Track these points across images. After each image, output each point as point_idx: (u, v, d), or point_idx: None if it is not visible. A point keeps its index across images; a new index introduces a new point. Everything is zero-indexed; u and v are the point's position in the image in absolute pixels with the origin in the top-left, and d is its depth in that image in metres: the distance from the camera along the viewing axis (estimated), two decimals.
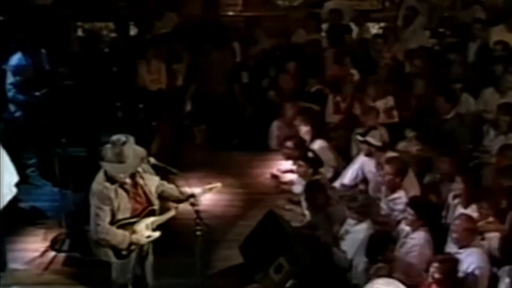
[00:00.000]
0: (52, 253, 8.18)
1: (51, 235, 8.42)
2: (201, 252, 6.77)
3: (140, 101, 9.73)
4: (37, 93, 9.22)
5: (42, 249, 8.25)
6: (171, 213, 6.91)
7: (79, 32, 11.87)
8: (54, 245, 8.29)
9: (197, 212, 6.68)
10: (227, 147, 10.51)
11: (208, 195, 7.02)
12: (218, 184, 7.05)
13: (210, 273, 7.63)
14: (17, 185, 7.88)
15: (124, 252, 6.75)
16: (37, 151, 9.61)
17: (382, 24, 12.53)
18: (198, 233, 6.64)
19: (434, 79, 10.31)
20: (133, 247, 6.77)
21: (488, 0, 12.35)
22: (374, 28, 12.42)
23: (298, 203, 8.82)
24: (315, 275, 7.26)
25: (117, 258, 6.79)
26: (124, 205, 6.60)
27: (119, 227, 6.63)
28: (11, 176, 7.66)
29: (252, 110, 10.85)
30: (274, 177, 9.71)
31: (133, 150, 6.50)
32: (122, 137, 6.45)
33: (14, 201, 8.41)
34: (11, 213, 8.27)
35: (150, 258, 7.09)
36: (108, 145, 6.49)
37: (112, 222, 6.58)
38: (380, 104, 9.96)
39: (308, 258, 7.43)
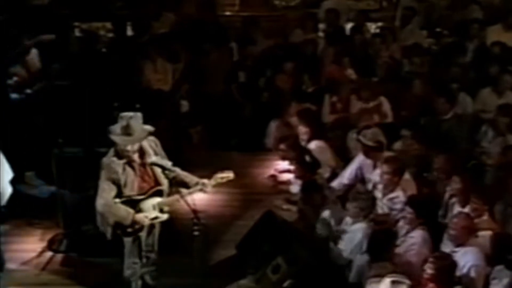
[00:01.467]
0: (49, 254, 8.17)
1: (49, 235, 8.42)
2: (198, 252, 6.77)
3: (138, 101, 9.72)
4: (28, 91, 9.24)
5: (40, 249, 8.25)
6: (177, 197, 6.92)
7: (77, 32, 11.84)
8: (51, 245, 8.29)
9: (194, 212, 6.69)
10: (224, 147, 10.51)
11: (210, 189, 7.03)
12: (231, 174, 7.02)
13: (207, 273, 7.63)
14: (14, 185, 7.87)
15: (130, 230, 6.81)
16: (34, 151, 9.59)
17: (380, 24, 12.53)
18: (196, 233, 6.65)
19: (431, 78, 10.31)
20: (137, 226, 6.82)
21: (485, 0, 12.34)
22: (371, 28, 12.42)
23: (295, 203, 8.83)
24: (312, 274, 7.26)
25: (124, 235, 6.88)
26: (131, 182, 6.76)
27: (124, 202, 6.74)
28: (7, 175, 7.67)
29: (250, 109, 10.84)
30: (272, 177, 9.72)
31: (140, 124, 6.75)
32: (129, 113, 6.76)
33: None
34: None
35: (156, 246, 7.15)
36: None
37: (119, 196, 6.72)
38: (372, 105, 9.97)
39: (306, 258, 7.42)
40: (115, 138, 6.71)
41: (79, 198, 8.31)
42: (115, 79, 10.14)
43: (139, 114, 6.80)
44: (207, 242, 7.52)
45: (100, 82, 9.89)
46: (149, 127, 6.84)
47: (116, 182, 6.72)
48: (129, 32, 11.84)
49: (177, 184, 6.99)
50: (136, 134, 6.70)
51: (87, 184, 7.68)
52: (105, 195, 6.70)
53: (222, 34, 11.65)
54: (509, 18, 11.45)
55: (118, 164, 6.73)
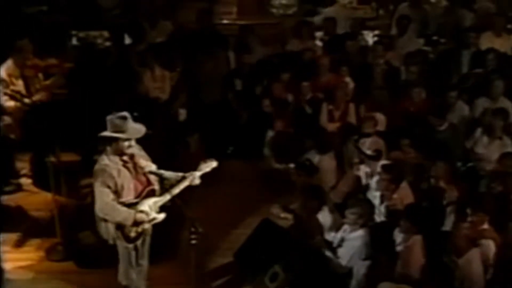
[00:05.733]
0: (47, 263, 8.15)
1: (46, 244, 8.40)
2: (196, 260, 6.77)
3: (135, 109, 9.73)
4: (26, 100, 9.27)
5: (37, 258, 8.23)
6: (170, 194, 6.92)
7: (74, 41, 11.86)
8: (49, 254, 8.27)
9: (192, 220, 6.69)
10: (221, 155, 10.48)
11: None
12: (214, 163, 7.08)
13: (205, 281, 7.62)
14: (12, 192, 7.87)
15: (133, 234, 6.81)
16: (31, 158, 9.60)
17: (376, 32, 12.55)
18: (193, 241, 6.64)
19: (429, 86, 10.32)
20: (140, 228, 6.82)
21: (481, 7, 12.36)
22: (368, 36, 12.44)
23: (292, 211, 8.82)
24: (310, 282, 7.26)
25: (127, 242, 6.84)
26: (128, 185, 6.75)
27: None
28: None
29: (246, 117, 10.84)
30: (269, 184, 9.71)
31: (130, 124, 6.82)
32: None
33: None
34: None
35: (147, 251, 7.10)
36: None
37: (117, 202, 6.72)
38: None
39: (303, 265, 7.42)
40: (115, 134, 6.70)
41: (76, 206, 8.32)
42: (112, 87, 10.15)
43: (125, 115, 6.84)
44: (205, 250, 7.52)
45: (97, 90, 9.90)
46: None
47: (112, 187, 6.70)
48: (127, 40, 11.85)
49: (164, 183, 6.99)
50: (129, 130, 6.74)
51: (83, 192, 7.66)
52: (104, 198, 6.68)
53: (219, 42, 11.66)
54: (496, 23, 11.49)
55: (113, 168, 6.72)
